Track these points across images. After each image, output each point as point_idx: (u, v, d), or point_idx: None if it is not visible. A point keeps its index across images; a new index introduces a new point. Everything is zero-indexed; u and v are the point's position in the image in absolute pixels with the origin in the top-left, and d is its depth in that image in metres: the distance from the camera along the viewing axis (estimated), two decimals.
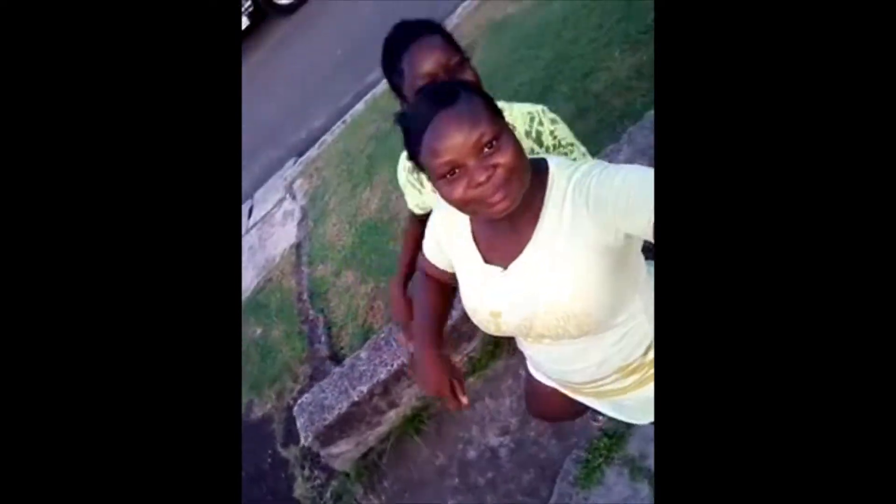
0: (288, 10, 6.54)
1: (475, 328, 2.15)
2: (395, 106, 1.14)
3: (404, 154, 1.20)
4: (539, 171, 0.99)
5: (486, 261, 1.05)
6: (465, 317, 2.10)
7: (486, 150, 0.87)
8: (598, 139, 2.41)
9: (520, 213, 0.95)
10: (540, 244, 0.98)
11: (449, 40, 1.16)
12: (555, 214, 0.96)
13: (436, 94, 0.91)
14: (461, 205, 0.92)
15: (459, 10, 4.16)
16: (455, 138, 0.86)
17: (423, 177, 0.97)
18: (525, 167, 0.92)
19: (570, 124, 1.25)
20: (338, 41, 5.16)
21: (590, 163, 0.98)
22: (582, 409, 1.60)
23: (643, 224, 0.83)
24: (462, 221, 1.09)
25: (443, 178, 0.90)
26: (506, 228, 1.00)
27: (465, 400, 1.16)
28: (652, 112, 2.17)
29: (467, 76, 1.14)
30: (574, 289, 0.96)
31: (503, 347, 2.20)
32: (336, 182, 3.54)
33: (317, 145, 4.11)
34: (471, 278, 1.08)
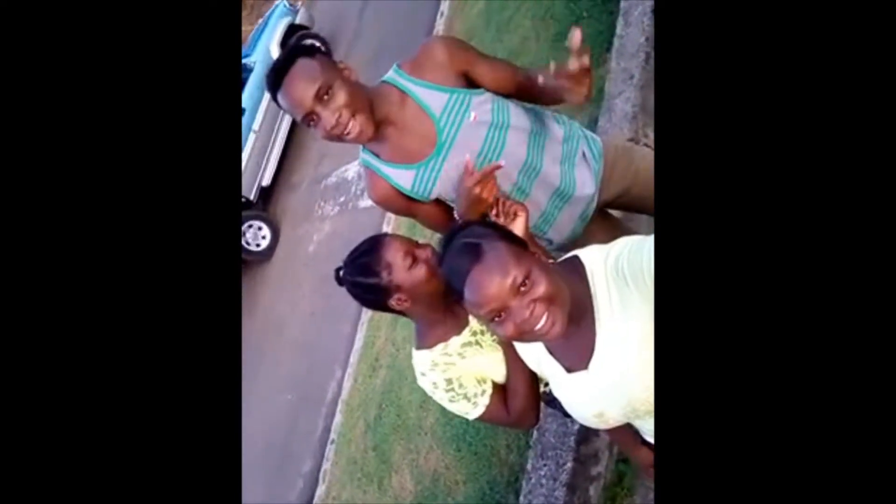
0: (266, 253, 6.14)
1: (596, 449, 1.96)
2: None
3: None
4: (576, 269, 1.07)
5: (569, 370, 1.10)
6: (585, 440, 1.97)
7: (521, 289, 0.95)
8: None
9: (576, 315, 1.01)
10: (606, 335, 1.04)
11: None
12: (605, 303, 1.04)
13: (464, 252, 0.99)
14: (517, 339, 1.01)
15: None
16: (491, 290, 0.94)
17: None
18: (562, 290, 0.98)
19: None
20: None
21: (618, 243, 1.07)
22: None
23: None
24: (535, 345, 1.14)
25: (492, 322, 0.98)
26: (571, 333, 1.04)
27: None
28: None
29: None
30: (653, 359, 0.98)
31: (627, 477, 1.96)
32: (360, 496, 3.23)
33: (319, 484, 3.81)
34: (566, 391, 1.13)
